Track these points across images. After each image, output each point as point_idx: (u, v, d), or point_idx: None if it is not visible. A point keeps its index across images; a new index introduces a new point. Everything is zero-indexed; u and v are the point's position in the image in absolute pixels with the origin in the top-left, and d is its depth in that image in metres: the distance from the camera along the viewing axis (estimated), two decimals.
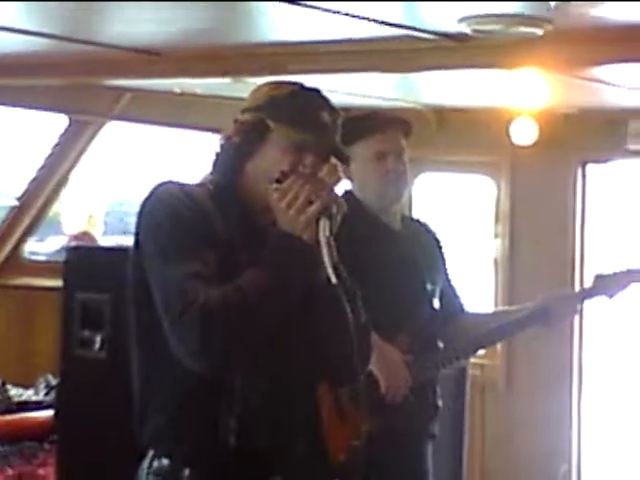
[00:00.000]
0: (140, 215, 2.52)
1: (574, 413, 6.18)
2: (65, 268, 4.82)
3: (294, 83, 2.59)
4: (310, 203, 2.42)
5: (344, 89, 5.29)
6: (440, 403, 3.74)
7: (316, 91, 2.58)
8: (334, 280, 2.38)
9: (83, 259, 4.77)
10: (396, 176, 3.67)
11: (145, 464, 2.55)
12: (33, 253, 7.32)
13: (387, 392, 3.53)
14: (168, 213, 2.46)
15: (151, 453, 2.54)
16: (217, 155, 2.60)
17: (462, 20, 3.62)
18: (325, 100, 2.57)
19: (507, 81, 4.85)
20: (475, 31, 3.70)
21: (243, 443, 2.47)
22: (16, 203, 6.70)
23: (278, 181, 2.48)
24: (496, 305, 6.44)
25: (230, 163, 2.57)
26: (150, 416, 2.53)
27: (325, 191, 2.45)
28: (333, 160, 2.62)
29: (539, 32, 3.59)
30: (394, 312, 3.53)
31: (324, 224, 2.42)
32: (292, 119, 2.50)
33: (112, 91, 6.14)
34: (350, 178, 3.74)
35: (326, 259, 2.38)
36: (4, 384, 5.62)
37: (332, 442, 2.99)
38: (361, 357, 2.49)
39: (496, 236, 6.52)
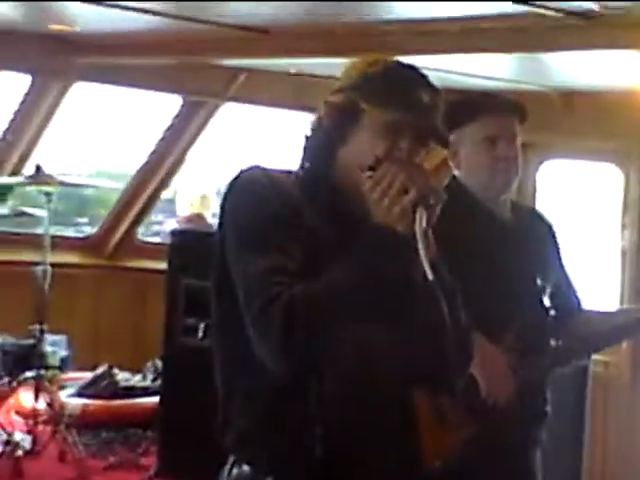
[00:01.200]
0: (223, 201, 2.34)
1: None
2: (169, 252, 4.70)
3: (389, 60, 2.37)
4: (406, 192, 2.20)
5: (463, 69, 5.05)
6: (549, 409, 3.48)
7: (413, 68, 2.35)
8: (431, 277, 2.16)
9: (188, 243, 4.63)
10: (506, 164, 3.41)
11: (225, 471, 2.37)
12: (147, 235, 7.28)
13: (488, 397, 3.29)
14: (252, 201, 2.27)
15: (232, 459, 2.36)
16: (307, 139, 2.40)
17: None
18: (423, 78, 2.34)
19: None
20: (603, 7, 3.44)
21: (330, 452, 2.27)
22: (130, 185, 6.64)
23: (371, 168, 2.26)
24: (623, 300, 6.19)
25: (320, 149, 2.36)
26: (233, 419, 2.36)
27: (422, 178, 2.23)
28: (437, 146, 2.38)
29: None
30: (499, 310, 3.28)
31: (421, 215, 2.20)
32: (386, 99, 2.28)
33: (226, 72, 6.05)
34: (457, 164, 3.50)
35: (422, 253, 2.17)
36: (111, 368, 5.55)
37: (429, 447, 2.77)
38: (459, 362, 2.28)
39: (624, 227, 6.24)
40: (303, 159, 2.41)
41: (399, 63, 2.36)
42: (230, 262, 2.28)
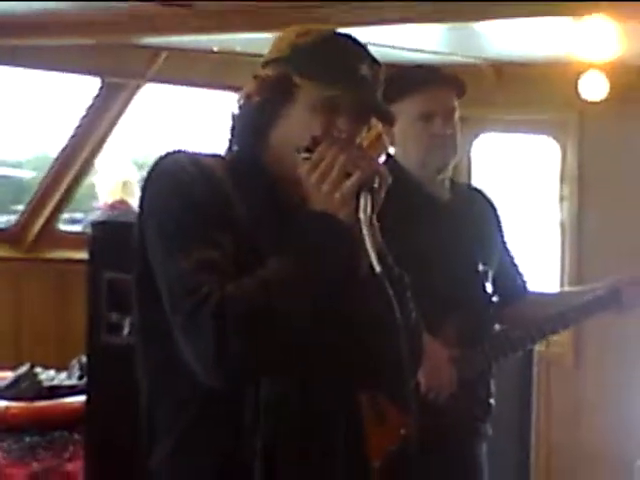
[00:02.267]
0: (143, 190, 2.09)
1: None
2: (90, 244, 4.41)
3: (324, 29, 2.13)
4: (347, 175, 1.98)
5: (390, 42, 4.85)
6: (492, 401, 3.28)
7: (351, 38, 2.12)
8: (378, 268, 1.94)
9: (110, 234, 4.34)
10: (443, 140, 3.20)
11: None
12: (69, 224, 6.98)
13: (429, 392, 3.08)
14: (175, 189, 2.03)
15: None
16: (234, 119, 2.15)
17: None
18: (362, 48, 2.10)
19: (575, 30, 4.39)
20: None
21: (271, 467, 2.04)
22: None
23: (308, 149, 2.03)
24: (563, 273, 6.08)
25: (250, 129, 2.12)
26: (158, 437, 2.11)
27: (365, 160, 2.00)
28: (374, 121, 2.14)
29: None
30: (438, 299, 3.07)
31: (365, 200, 1.97)
32: (322, 72, 2.05)
33: (146, 51, 5.78)
34: (392, 141, 3.28)
35: (368, 243, 1.94)
36: (32, 367, 5.24)
37: (370, 448, 2.56)
38: (411, 363, 2.06)
39: (562, 199, 6.13)
40: (231, 141, 2.17)
41: (335, 32, 2.13)
42: (151, 259, 2.04)
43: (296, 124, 2.06)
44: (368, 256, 1.94)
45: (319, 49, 2.07)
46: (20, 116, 6.87)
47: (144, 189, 2.08)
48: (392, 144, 3.29)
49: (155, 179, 2.07)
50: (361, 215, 1.96)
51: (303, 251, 1.97)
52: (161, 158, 2.09)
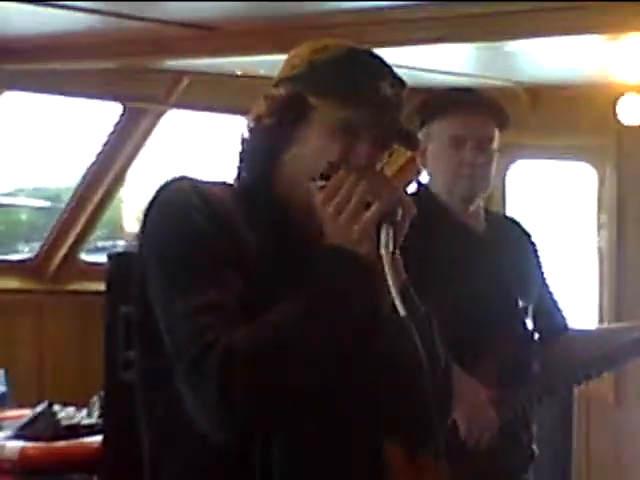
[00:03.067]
0: (143, 221, 1.89)
1: None
2: (107, 278, 4.24)
3: (342, 45, 1.93)
4: (367, 206, 1.77)
5: (422, 64, 4.67)
6: (535, 447, 3.06)
7: (372, 54, 1.92)
8: (402, 309, 1.73)
9: (127, 266, 4.15)
10: (471, 170, 2.98)
11: None
12: (94, 253, 6.81)
13: (468, 437, 2.86)
14: (177, 222, 1.83)
15: None
16: (244, 143, 1.95)
17: None
18: (384, 65, 1.90)
19: (614, 50, 4.19)
20: None
21: None
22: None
23: (324, 177, 1.83)
24: (601, 303, 5.88)
25: (261, 154, 1.92)
26: None
27: (386, 188, 1.80)
28: (398, 146, 1.94)
29: None
30: (477, 336, 2.89)
31: (386, 233, 1.77)
32: (339, 91, 1.85)
33: (169, 76, 5.64)
34: (424, 164, 3.08)
35: (390, 280, 1.74)
36: (51, 405, 5.06)
37: None
38: (441, 412, 1.85)
39: (600, 227, 5.91)
40: (240, 167, 1.97)
41: (354, 48, 1.93)
42: (153, 298, 1.84)
43: (311, 149, 1.86)
44: (391, 295, 1.74)
45: (336, 66, 1.87)
46: (38, 144, 6.73)
47: (144, 221, 1.89)
48: (424, 167, 3.09)
49: (156, 210, 1.87)
50: (382, 250, 1.76)
51: (319, 291, 1.77)
52: (163, 186, 1.89)
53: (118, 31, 4.57)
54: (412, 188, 3.12)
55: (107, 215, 6.65)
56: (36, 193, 7.21)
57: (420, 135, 2.98)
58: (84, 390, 5.61)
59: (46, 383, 6.18)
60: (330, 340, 1.76)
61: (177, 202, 1.85)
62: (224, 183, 1.95)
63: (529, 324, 3.07)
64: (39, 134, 6.66)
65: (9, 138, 6.31)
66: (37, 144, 6.72)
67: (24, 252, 6.99)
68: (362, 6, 3.72)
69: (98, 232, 7.01)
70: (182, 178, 1.90)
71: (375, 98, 1.85)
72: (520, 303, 3.02)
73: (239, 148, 1.96)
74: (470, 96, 3.07)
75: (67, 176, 6.62)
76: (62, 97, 5.89)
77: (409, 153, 2.03)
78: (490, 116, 3.01)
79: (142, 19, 4.34)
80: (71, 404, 5.46)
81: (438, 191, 3.03)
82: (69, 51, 4.97)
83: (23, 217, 7.48)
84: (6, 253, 7.02)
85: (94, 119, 6.19)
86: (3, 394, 5.68)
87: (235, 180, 1.96)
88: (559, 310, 3.25)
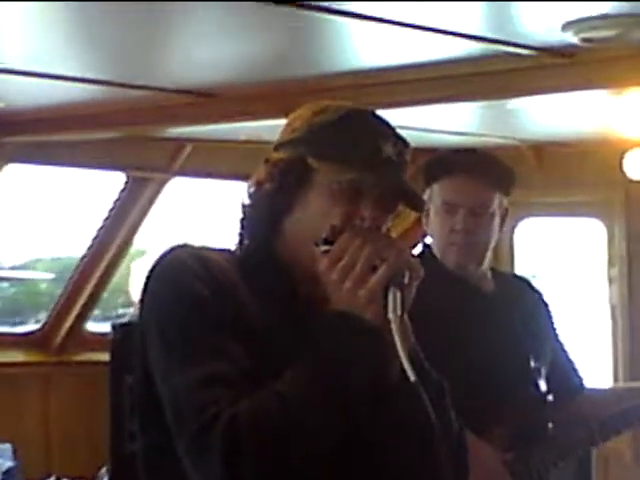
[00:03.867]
0: (143, 292, 1.84)
1: None
2: (112, 348, 4.16)
3: (342, 106, 1.89)
4: (373, 270, 1.72)
5: (425, 125, 4.64)
6: None
7: (373, 114, 1.87)
8: (412, 375, 1.67)
9: (131, 336, 4.09)
10: (461, 237, 2.89)
11: None
12: (101, 322, 6.75)
13: None
14: (177, 290, 1.78)
15: None
16: (245, 209, 1.91)
17: (567, 26, 2.92)
18: (386, 125, 1.86)
19: (618, 105, 4.15)
20: (584, 40, 3.00)
21: None
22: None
23: (327, 241, 1.78)
24: (616, 356, 5.81)
25: (262, 220, 1.87)
26: None
27: (392, 251, 1.75)
28: (403, 208, 1.88)
29: None
30: (489, 398, 2.82)
31: (394, 297, 1.72)
32: (340, 153, 1.80)
33: (171, 144, 5.61)
34: (427, 227, 3.02)
35: (399, 346, 1.68)
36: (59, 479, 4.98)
37: None
38: (456, 477, 1.78)
39: (610, 282, 5.83)
40: (242, 234, 1.92)
41: (354, 109, 1.88)
42: (153, 368, 1.78)
43: (313, 212, 1.82)
44: (400, 361, 1.68)
45: (337, 128, 1.83)
46: (42, 216, 6.71)
47: (144, 290, 1.84)
48: (427, 233, 3.04)
49: (155, 278, 1.83)
50: (390, 314, 1.71)
51: (325, 359, 1.71)
52: (163, 254, 1.85)
53: (119, 100, 4.55)
54: (417, 250, 3.07)
55: (116, 284, 6.62)
56: (53, 264, 7.21)
57: (425, 197, 2.93)
58: (93, 462, 5.53)
59: (54, 456, 6.08)
60: (338, 409, 1.70)
61: (177, 270, 1.80)
62: (226, 250, 1.91)
63: (542, 385, 2.99)
64: (42, 206, 6.64)
65: (13, 211, 6.29)
66: (41, 216, 6.70)
67: None
68: (363, 67, 3.69)
69: (109, 301, 6.99)
70: (182, 246, 1.86)
71: (377, 159, 1.80)
72: (533, 364, 2.95)
73: (240, 214, 1.92)
74: (467, 160, 2.97)
75: (72, 247, 6.59)
76: (65, 168, 5.86)
77: (415, 214, 1.97)
78: (487, 180, 2.91)
79: (143, 87, 4.32)
80: (79, 477, 5.39)
81: (437, 255, 2.97)
82: (71, 122, 4.95)
83: (42, 287, 7.44)
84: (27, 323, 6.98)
85: (98, 189, 6.17)
86: (10, 469, 5.59)
87: (237, 247, 1.91)
88: (574, 370, 3.18)
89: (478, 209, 2.89)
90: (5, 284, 7.77)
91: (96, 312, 6.67)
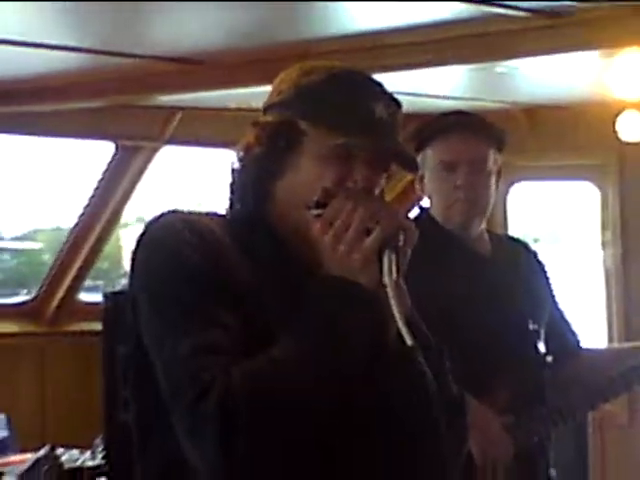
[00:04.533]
0: (132, 260, 1.81)
1: None
2: (103, 317, 4.16)
3: (331, 65, 1.85)
4: (367, 233, 1.69)
5: (415, 89, 4.59)
6: (554, 472, 2.97)
7: (363, 75, 1.84)
8: (409, 339, 1.65)
9: (124, 305, 4.07)
10: (464, 193, 2.90)
11: None
12: (92, 293, 6.73)
13: (483, 465, 2.77)
14: (167, 258, 1.74)
15: None
16: (235, 173, 1.88)
17: None
18: (378, 85, 1.82)
19: (611, 66, 4.12)
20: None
21: None
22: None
23: (320, 204, 1.75)
24: (610, 321, 5.83)
25: (252, 184, 1.84)
26: None
27: (386, 213, 1.72)
28: (396, 169, 1.85)
29: None
30: (488, 362, 2.81)
31: (389, 261, 1.69)
32: (331, 115, 1.76)
33: (161, 112, 5.56)
34: (423, 190, 3.01)
35: (396, 310, 1.66)
36: (53, 449, 4.95)
37: None
38: (455, 443, 1.76)
39: (604, 246, 5.82)
40: (232, 198, 1.89)
41: (343, 69, 1.84)
42: (145, 337, 1.76)
43: (304, 176, 1.78)
44: (397, 326, 1.66)
45: (327, 89, 1.79)
46: (29, 186, 6.67)
47: (134, 257, 1.81)
48: (422, 197, 3.02)
49: (145, 246, 1.79)
50: (386, 278, 1.68)
51: (319, 324, 1.68)
52: (152, 221, 1.81)
53: (107, 69, 4.51)
54: (414, 213, 3.05)
55: (108, 253, 6.59)
56: (53, 234, 7.18)
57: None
58: (88, 431, 5.52)
59: (49, 426, 6.08)
60: (333, 375, 1.67)
61: (167, 237, 1.77)
62: (216, 214, 1.88)
63: (541, 347, 2.98)
64: (31, 177, 6.60)
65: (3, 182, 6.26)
66: (31, 187, 6.66)
67: None
68: (351, 31, 3.66)
69: (100, 271, 6.96)
70: (172, 212, 1.83)
71: (369, 121, 1.77)
72: (531, 326, 2.94)
73: (230, 179, 1.89)
74: (459, 119, 2.99)
75: (57, 218, 6.56)
76: (52, 138, 5.81)
77: (409, 177, 1.94)
78: (482, 137, 2.94)
79: (130, 55, 4.28)
80: (75, 446, 5.37)
81: (436, 217, 2.97)
82: (58, 92, 4.90)
83: (45, 257, 7.41)
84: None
85: (87, 159, 6.13)
86: (5, 439, 5.59)
87: (227, 211, 1.88)
88: (571, 330, 3.17)
89: (477, 165, 2.91)
90: (6, 256, 7.77)
91: (89, 282, 6.65)
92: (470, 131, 2.93)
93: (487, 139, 2.95)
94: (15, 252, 7.51)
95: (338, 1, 3.29)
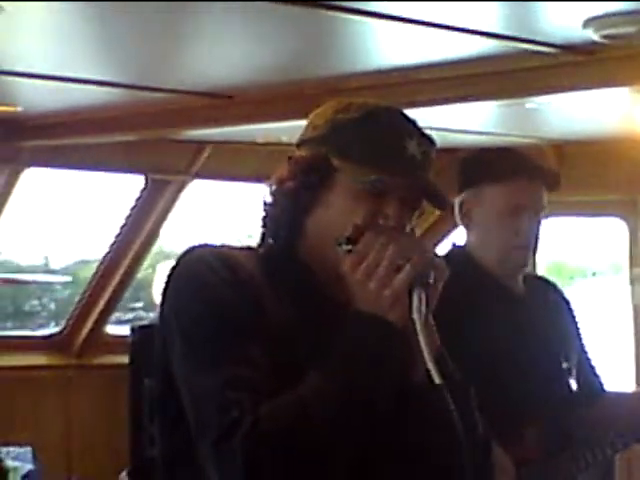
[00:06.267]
0: (164, 293, 1.82)
1: None
2: (131, 351, 4.16)
3: (365, 103, 1.86)
4: (397, 270, 1.69)
5: (442, 123, 4.60)
6: None
7: (397, 111, 1.84)
8: (437, 377, 1.64)
9: (151, 339, 4.08)
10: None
11: None
12: (118, 326, 6.75)
13: None
14: (199, 292, 1.75)
15: None
16: (267, 207, 1.88)
17: (588, 24, 2.88)
18: (411, 123, 1.83)
19: (638, 101, 4.10)
20: (605, 37, 2.96)
21: None
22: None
23: (351, 241, 1.75)
24: (638, 360, 5.65)
25: (284, 218, 1.85)
26: None
27: (417, 250, 1.72)
28: (427, 206, 1.85)
29: None
30: (519, 402, 2.77)
31: (419, 298, 1.69)
32: (364, 152, 1.77)
33: (190, 146, 5.59)
34: (468, 226, 2.97)
35: (424, 348, 1.65)
36: None
37: None
38: None
39: (633, 282, 5.76)
40: (264, 232, 1.89)
41: (378, 106, 1.85)
42: (174, 371, 1.76)
43: (336, 212, 1.79)
44: (425, 363, 1.65)
45: (360, 126, 1.80)
46: (57, 219, 6.71)
47: (165, 291, 1.82)
48: (467, 229, 2.99)
49: (177, 279, 1.80)
50: (415, 315, 1.68)
51: (348, 361, 1.68)
52: (184, 254, 1.82)
53: (138, 103, 4.54)
54: (444, 249, 3.03)
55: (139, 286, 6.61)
56: (52, 269, 7.22)
57: (465, 196, 2.91)
58: (113, 465, 5.51)
59: (74, 459, 6.08)
60: (361, 412, 1.67)
61: (198, 271, 1.77)
62: (247, 248, 1.88)
63: (573, 385, 2.95)
64: (62, 210, 6.64)
65: (34, 214, 6.29)
66: (62, 220, 6.70)
67: None
68: (383, 67, 3.66)
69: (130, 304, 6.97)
70: (203, 245, 1.84)
71: (401, 158, 1.77)
72: (564, 364, 2.92)
73: (262, 213, 1.89)
74: (525, 163, 2.94)
75: (92, 250, 6.60)
76: (84, 171, 5.84)
77: (435, 215, 1.94)
78: (545, 182, 2.92)
79: (161, 90, 4.30)
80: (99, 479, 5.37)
81: (486, 257, 2.93)
82: (89, 125, 4.93)
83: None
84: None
85: (117, 192, 6.16)
86: (31, 472, 5.59)
87: (259, 245, 1.89)
88: (596, 375, 3.14)
89: (540, 211, 2.91)
90: (58, 286, 7.81)
91: (117, 315, 6.67)
92: (536, 176, 2.90)
93: (548, 184, 2.93)
94: (65, 284, 7.55)
95: (368, 36, 3.29)
